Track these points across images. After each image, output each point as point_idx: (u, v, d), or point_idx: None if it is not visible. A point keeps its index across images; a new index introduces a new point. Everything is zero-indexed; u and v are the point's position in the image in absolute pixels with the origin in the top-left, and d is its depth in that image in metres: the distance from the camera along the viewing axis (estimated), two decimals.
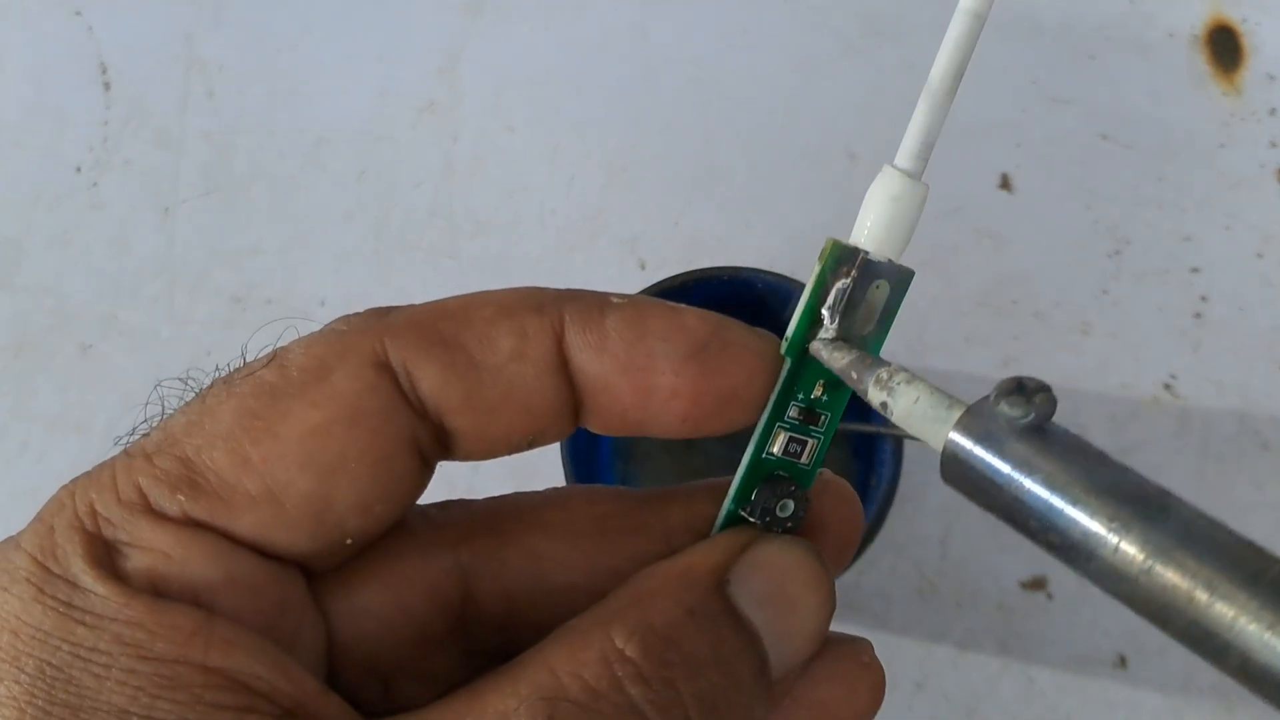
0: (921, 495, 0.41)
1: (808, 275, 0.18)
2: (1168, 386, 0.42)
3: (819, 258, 0.18)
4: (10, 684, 0.15)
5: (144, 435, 0.17)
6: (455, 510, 0.20)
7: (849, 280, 0.17)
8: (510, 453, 0.19)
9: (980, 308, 0.43)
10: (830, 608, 0.18)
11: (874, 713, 0.19)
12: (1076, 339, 0.43)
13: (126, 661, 0.15)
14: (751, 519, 0.18)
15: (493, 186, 0.45)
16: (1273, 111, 0.44)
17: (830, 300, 0.18)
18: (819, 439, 0.18)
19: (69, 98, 0.46)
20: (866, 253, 0.18)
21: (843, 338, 0.18)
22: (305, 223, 0.45)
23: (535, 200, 0.45)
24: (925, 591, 0.41)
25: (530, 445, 0.18)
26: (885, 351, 0.17)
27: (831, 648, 0.19)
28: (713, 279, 0.36)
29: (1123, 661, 0.40)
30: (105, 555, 0.16)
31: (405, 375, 0.17)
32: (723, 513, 0.19)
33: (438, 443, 0.18)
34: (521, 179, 0.45)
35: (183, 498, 0.16)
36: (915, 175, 0.17)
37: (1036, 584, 0.41)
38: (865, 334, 0.18)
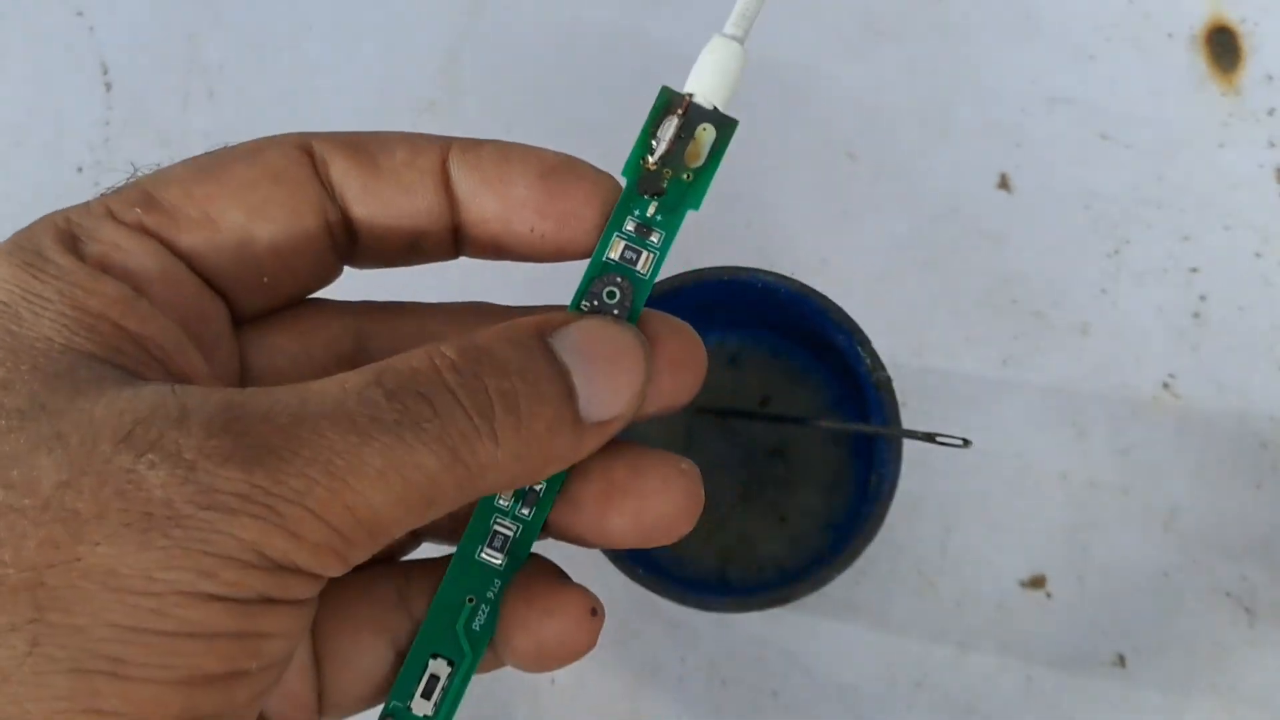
0: (921, 495, 0.41)
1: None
2: (1167, 386, 0.43)
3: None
4: None
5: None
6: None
7: (677, 118, 0.22)
8: (400, 257, 0.23)
9: (980, 308, 0.43)
10: (641, 376, 0.21)
11: (687, 516, 0.22)
12: (1076, 339, 0.43)
13: (61, 306, 0.19)
14: (586, 305, 0.22)
15: None
16: (1271, 111, 0.45)
17: (660, 132, 0.22)
18: (654, 253, 0.22)
19: (70, 98, 0.46)
20: (692, 96, 0.22)
21: (669, 164, 0.22)
22: None
23: None
24: (925, 591, 0.41)
25: (414, 251, 0.23)
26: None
27: (657, 454, 0.22)
28: (713, 279, 0.36)
29: (1122, 661, 0.40)
30: (70, 240, 0.20)
31: (321, 161, 0.22)
32: (570, 305, 0.22)
33: (345, 232, 0.22)
34: None
35: (139, 210, 0.21)
36: (738, 40, 0.22)
37: (1036, 583, 0.41)
38: (695, 167, 0.23)
